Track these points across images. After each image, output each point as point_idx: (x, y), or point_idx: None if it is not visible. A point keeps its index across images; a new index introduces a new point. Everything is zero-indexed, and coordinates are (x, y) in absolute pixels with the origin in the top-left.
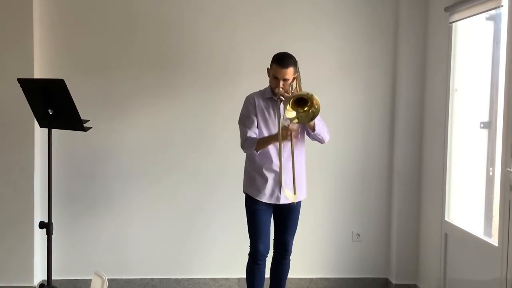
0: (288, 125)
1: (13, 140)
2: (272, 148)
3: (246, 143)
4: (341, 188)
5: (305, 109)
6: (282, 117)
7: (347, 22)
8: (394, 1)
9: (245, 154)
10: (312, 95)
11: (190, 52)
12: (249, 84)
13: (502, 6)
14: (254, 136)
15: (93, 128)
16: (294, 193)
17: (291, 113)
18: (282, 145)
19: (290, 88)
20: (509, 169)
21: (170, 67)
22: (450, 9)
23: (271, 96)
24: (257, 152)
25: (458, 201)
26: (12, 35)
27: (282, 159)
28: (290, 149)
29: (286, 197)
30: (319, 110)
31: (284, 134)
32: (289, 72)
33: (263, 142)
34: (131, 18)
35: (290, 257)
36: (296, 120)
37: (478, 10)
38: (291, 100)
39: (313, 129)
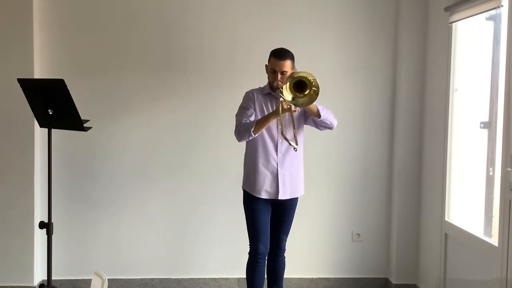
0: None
1: (13, 140)
2: (270, 144)
3: (241, 128)
4: (341, 188)
5: (305, 92)
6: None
7: (348, 22)
8: (394, 1)
9: (244, 153)
10: (306, 76)
11: (191, 52)
12: (250, 84)
13: (502, 6)
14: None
15: (93, 128)
16: (296, 143)
17: (289, 96)
18: (280, 140)
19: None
20: (509, 169)
21: (170, 67)
22: (450, 9)
23: (270, 91)
24: (255, 135)
25: (458, 201)
26: (12, 35)
27: (280, 154)
28: (288, 144)
29: (291, 144)
30: (318, 87)
31: (284, 108)
32: (287, 64)
33: (262, 121)
34: (132, 18)
35: (285, 255)
36: (297, 106)
37: (478, 10)
38: (289, 84)
39: (319, 116)
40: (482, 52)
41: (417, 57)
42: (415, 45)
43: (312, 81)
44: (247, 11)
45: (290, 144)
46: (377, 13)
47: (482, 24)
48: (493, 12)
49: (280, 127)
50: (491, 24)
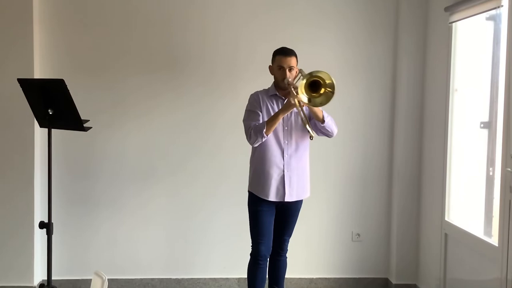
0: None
1: (13, 140)
2: (276, 146)
3: (253, 131)
4: (341, 188)
5: (321, 92)
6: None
7: (348, 22)
8: (394, 1)
9: (248, 154)
10: (319, 75)
11: (192, 52)
12: (252, 85)
13: (502, 6)
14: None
15: (93, 128)
16: (311, 136)
17: (305, 98)
18: (286, 142)
19: (294, 81)
20: (509, 169)
21: (171, 67)
22: (450, 9)
23: (275, 93)
24: (267, 135)
25: (458, 201)
26: (12, 35)
27: (286, 156)
28: (294, 146)
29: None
30: (334, 85)
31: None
32: (293, 60)
33: (272, 120)
34: (132, 18)
35: (287, 255)
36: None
37: (478, 10)
38: (304, 86)
39: (323, 121)
40: (482, 52)
41: (417, 57)
42: (415, 45)
43: (325, 78)
44: (249, 12)
45: (309, 131)
46: (377, 13)
47: (482, 24)
48: (493, 12)
49: (286, 128)
50: (491, 24)
